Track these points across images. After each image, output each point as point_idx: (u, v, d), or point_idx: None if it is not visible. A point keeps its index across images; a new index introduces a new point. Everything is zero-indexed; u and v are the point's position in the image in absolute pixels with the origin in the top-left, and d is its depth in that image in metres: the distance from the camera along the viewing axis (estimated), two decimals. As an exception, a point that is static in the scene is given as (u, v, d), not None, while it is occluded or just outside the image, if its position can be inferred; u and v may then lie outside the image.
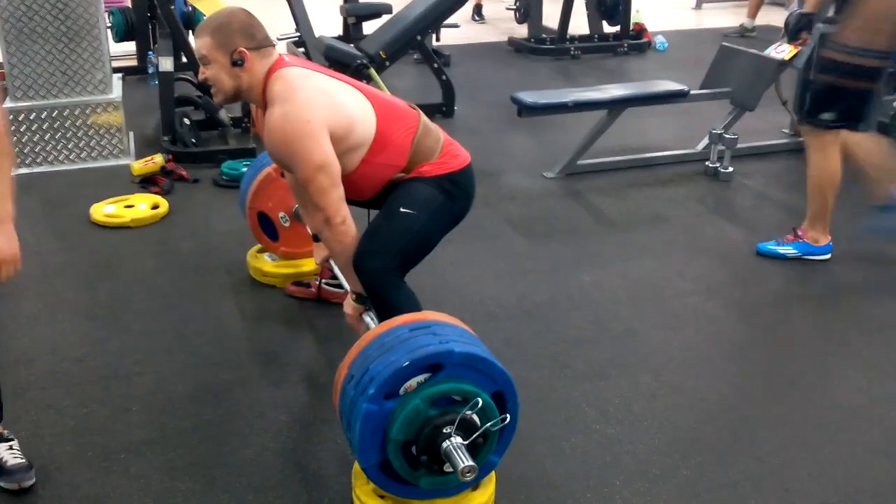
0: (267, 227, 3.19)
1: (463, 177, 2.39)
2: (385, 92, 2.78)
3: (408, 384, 1.82)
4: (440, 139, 2.39)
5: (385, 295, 2.28)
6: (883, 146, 3.51)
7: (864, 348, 2.86)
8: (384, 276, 2.27)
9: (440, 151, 2.36)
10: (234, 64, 2.21)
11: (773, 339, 2.92)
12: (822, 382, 2.67)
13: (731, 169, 4.39)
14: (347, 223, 2.25)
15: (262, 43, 2.25)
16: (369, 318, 2.34)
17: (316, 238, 2.77)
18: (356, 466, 2.10)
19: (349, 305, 2.42)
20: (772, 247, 3.50)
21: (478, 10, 9.02)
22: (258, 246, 3.32)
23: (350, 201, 2.33)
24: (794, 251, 3.45)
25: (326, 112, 2.19)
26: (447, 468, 1.85)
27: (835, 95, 3.14)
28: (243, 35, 2.22)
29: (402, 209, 2.28)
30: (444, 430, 1.82)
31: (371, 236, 2.29)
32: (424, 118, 2.40)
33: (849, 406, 2.54)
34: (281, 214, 3.13)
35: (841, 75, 3.09)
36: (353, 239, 2.27)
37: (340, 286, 2.90)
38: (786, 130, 5.07)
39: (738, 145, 4.41)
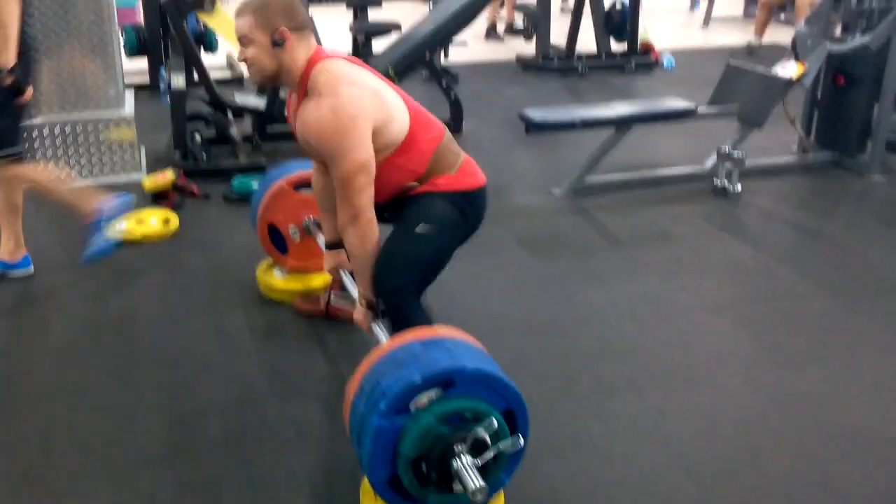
0: (277, 240, 3.21)
1: (477, 196, 2.43)
2: None
3: (418, 400, 1.83)
4: (460, 156, 2.43)
5: (403, 314, 2.31)
6: (49, 173, 3.40)
7: (872, 366, 2.85)
8: (403, 294, 2.31)
9: (458, 167, 2.40)
10: (275, 44, 2.22)
11: (780, 356, 2.92)
12: (830, 399, 2.66)
13: (739, 187, 4.40)
14: (373, 223, 2.28)
15: (302, 24, 2.25)
16: (379, 329, 2.36)
17: (329, 246, 2.77)
18: (365, 483, 2.11)
19: (359, 312, 2.43)
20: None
21: (493, 27, 9.04)
22: (268, 261, 3.33)
23: None
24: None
25: (372, 108, 2.21)
26: (456, 487, 1.85)
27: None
28: (285, 15, 2.22)
29: (420, 226, 2.31)
30: (456, 448, 1.82)
31: (390, 254, 2.31)
32: (448, 133, 2.44)
33: (857, 422, 2.54)
34: (291, 228, 3.15)
35: None
36: (375, 238, 2.29)
37: (349, 298, 2.90)
38: (794, 148, 5.07)
39: (746, 163, 4.42)
